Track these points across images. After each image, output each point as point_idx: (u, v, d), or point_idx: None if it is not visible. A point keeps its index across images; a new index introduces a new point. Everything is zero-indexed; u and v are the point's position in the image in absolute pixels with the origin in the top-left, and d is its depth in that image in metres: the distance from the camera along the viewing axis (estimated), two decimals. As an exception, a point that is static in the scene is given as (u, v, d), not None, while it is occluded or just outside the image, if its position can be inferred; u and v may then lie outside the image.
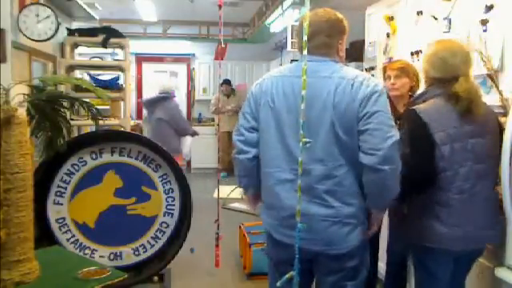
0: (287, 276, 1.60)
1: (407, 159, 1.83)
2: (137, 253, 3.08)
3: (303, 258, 1.64)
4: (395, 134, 1.69)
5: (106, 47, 4.63)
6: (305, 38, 1.55)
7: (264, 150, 1.89)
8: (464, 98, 1.88)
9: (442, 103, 1.92)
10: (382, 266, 2.81)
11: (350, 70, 1.80)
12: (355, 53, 4.68)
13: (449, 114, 1.90)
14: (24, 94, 1.64)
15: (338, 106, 1.71)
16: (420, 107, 1.94)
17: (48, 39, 3.79)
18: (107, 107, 4.89)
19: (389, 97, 2.64)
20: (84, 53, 5.84)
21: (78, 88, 4.00)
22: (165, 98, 5.10)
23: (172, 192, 3.11)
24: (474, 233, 1.93)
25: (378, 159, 1.65)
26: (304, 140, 1.56)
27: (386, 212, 2.18)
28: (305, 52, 1.59)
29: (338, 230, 1.76)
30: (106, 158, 3.01)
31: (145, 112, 5.58)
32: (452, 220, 1.90)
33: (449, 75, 1.94)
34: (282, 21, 5.72)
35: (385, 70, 2.68)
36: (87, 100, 2.19)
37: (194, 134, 5.47)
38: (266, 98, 1.85)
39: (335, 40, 1.83)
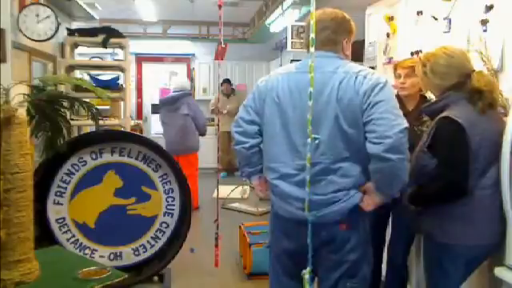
0: (304, 273, 1.62)
1: (436, 173, 1.87)
2: (137, 253, 3.08)
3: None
4: (402, 122, 1.68)
5: (106, 47, 4.63)
6: (312, 35, 1.56)
7: (269, 146, 1.92)
8: (487, 91, 1.89)
9: (470, 106, 1.92)
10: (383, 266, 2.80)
11: (354, 66, 1.82)
12: (355, 53, 4.68)
13: (480, 117, 1.90)
14: (24, 94, 1.65)
15: (341, 99, 1.73)
16: (455, 114, 1.90)
17: (48, 39, 3.79)
18: (107, 107, 4.90)
19: (398, 95, 2.63)
20: (84, 53, 5.85)
21: (78, 88, 4.01)
22: (188, 94, 5.47)
23: (172, 192, 3.11)
24: (494, 228, 1.95)
25: (385, 147, 1.65)
26: (312, 136, 1.57)
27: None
28: (312, 49, 1.59)
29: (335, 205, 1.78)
30: (106, 157, 3.01)
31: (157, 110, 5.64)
32: (473, 216, 1.91)
33: (462, 77, 1.95)
34: (282, 21, 5.72)
35: (395, 67, 2.61)
36: (87, 100, 2.19)
37: (204, 133, 5.59)
38: (271, 95, 1.87)
39: (341, 37, 1.86)
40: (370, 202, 1.81)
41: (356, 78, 1.74)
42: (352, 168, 1.76)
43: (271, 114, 1.87)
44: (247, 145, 1.95)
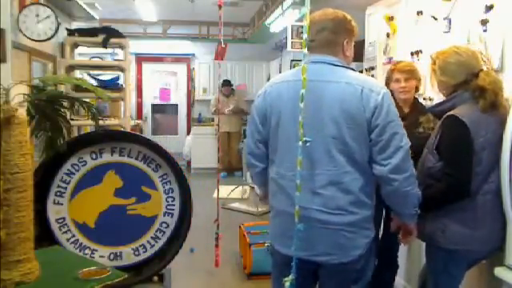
0: (287, 281, 1.59)
1: (442, 173, 1.89)
2: (137, 253, 3.08)
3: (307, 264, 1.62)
4: (407, 142, 1.69)
5: (106, 47, 4.63)
6: (304, 35, 1.55)
7: (271, 158, 1.89)
8: (490, 90, 1.89)
9: (476, 107, 1.92)
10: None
11: (356, 75, 1.76)
12: (355, 53, 4.68)
13: (486, 119, 1.90)
14: (24, 94, 1.65)
15: (346, 112, 1.68)
16: (460, 113, 1.90)
17: (48, 39, 3.79)
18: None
19: (395, 99, 2.65)
20: (84, 53, 5.84)
21: (78, 88, 4.00)
22: None
23: (172, 192, 3.11)
24: (496, 233, 1.95)
25: (390, 168, 1.66)
26: (304, 139, 1.55)
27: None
28: (304, 50, 1.58)
29: (338, 240, 1.73)
30: (106, 157, 3.01)
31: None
32: (476, 222, 1.92)
33: (469, 75, 1.95)
34: (281, 21, 5.72)
35: (392, 71, 2.63)
36: (87, 100, 2.19)
37: None
38: (271, 107, 1.83)
39: (340, 37, 1.80)
40: (406, 232, 1.93)
41: (362, 91, 1.68)
42: (353, 183, 1.71)
43: (275, 126, 1.82)
44: (259, 169, 1.96)
